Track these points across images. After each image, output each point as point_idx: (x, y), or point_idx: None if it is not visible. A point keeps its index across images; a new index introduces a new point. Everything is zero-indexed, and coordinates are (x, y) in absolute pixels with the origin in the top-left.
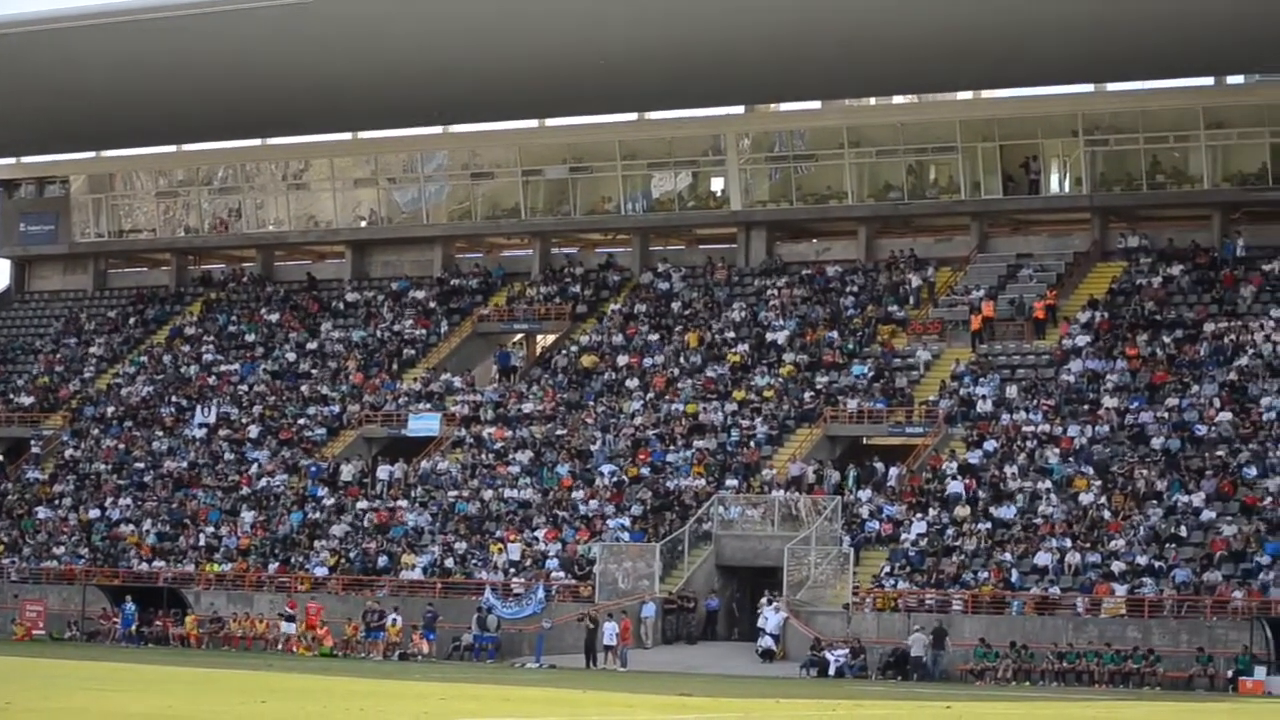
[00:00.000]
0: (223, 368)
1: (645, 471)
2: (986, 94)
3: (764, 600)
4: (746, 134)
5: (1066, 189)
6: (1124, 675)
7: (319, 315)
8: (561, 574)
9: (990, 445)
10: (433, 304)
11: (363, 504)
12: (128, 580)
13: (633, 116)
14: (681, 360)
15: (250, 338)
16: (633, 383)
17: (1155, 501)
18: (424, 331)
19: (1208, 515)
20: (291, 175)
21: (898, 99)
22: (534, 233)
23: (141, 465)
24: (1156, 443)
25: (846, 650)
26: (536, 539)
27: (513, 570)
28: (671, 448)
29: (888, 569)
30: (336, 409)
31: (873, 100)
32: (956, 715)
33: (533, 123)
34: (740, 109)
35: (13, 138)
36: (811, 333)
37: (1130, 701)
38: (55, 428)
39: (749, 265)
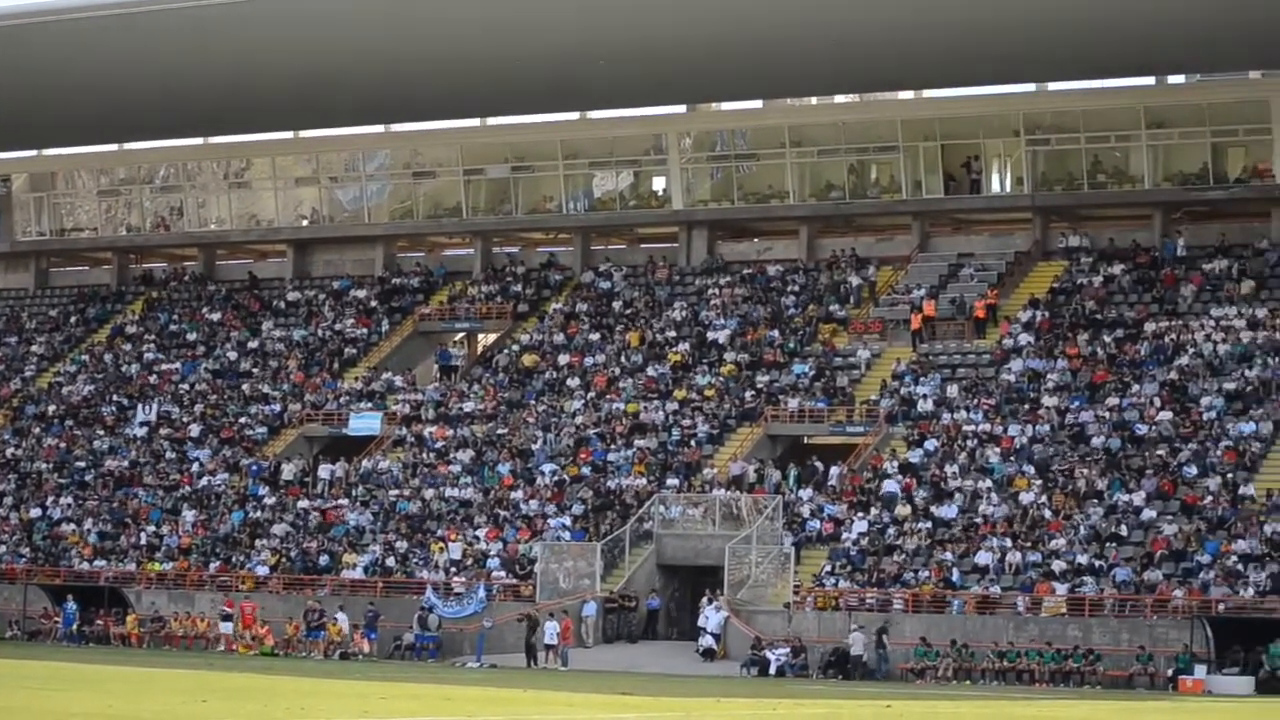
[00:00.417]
0: (164, 366)
1: (586, 471)
2: (928, 93)
3: (705, 599)
4: (688, 133)
5: (1008, 188)
6: (1064, 674)
7: (260, 314)
8: (502, 573)
9: (931, 444)
10: (374, 303)
11: (304, 503)
12: (69, 579)
13: (574, 116)
14: (623, 359)
15: (191, 336)
16: (574, 382)
17: (1096, 501)
18: (365, 330)
19: (1148, 514)
20: (233, 174)
21: (839, 98)
22: (475, 232)
23: (83, 464)
24: (1097, 442)
25: (787, 649)
26: (478, 538)
27: (454, 569)
28: (612, 447)
29: (828, 568)
30: (278, 408)
31: (814, 100)
32: (897, 714)
33: (474, 122)
34: (682, 108)
35: None
36: (752, 332)
37: (1071, 700)
38: None
39: (690, 264)
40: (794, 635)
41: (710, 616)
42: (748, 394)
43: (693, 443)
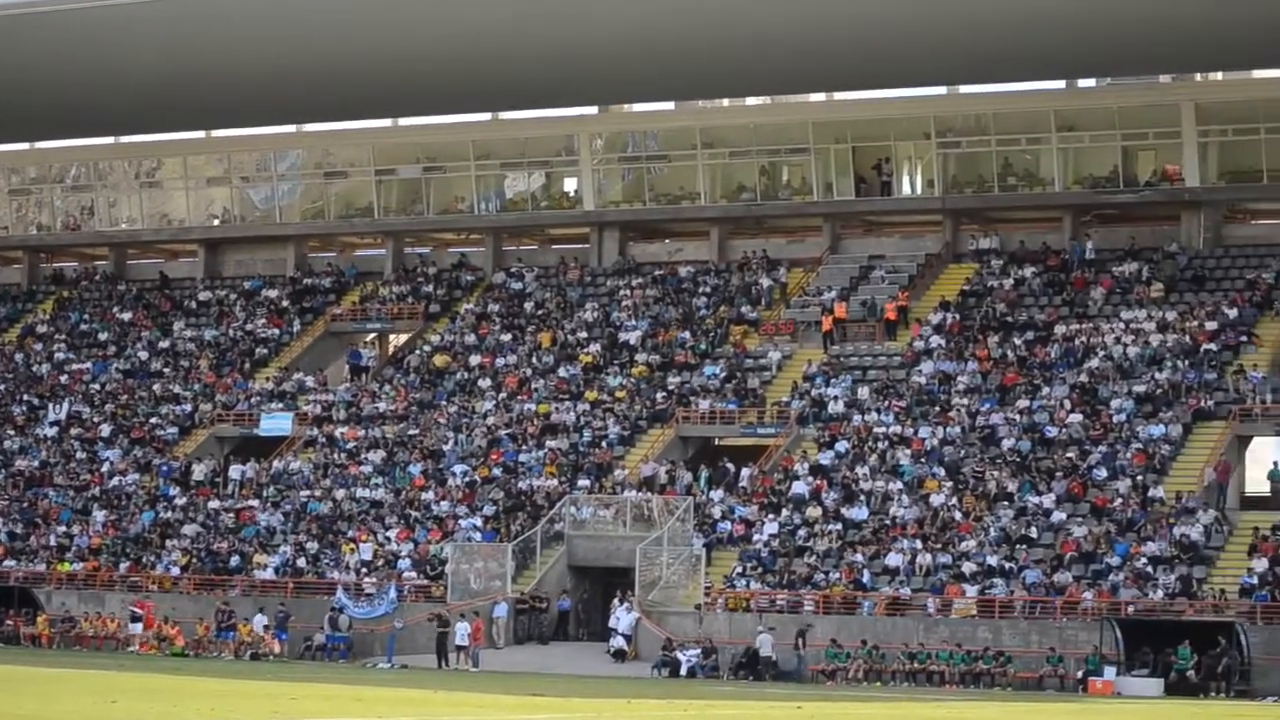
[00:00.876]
0: (75, 366)
1: (497, 472)
2: (839, 96)
3: (616, 600)
4: (600, 134)
5: (918, 191)
6: (975, 675)
7: (171, 314)
8: (413, 574)
9: (842, 446)
10: (285, 303)
11: (215, 503)
12: None
13: (486, 116)
14: (534, 360)
15: (103, 336)
16: (485, 383)
17: (1006, 503)
18: (276, 331)
19: (1058, 516)
20: (144, 173)
21: (751, 100)
22: (387, 232)
23: None
24: (1007, 444)
25: (698, 650)
26: (389, 539)
27: (365, 570)
28: (524, 448)
29: (739, 569)
30: (189, 408)
31: (726, 101)
32: (808, 715)
33: (386, 122)
34: (593, 109)
35: None
36: (664, 333)
37: (981, 702)
38: None
39: (602, 265)
40: (705, 636)
41: (621, 617)
42: (659, 395)
43: (604, 444)
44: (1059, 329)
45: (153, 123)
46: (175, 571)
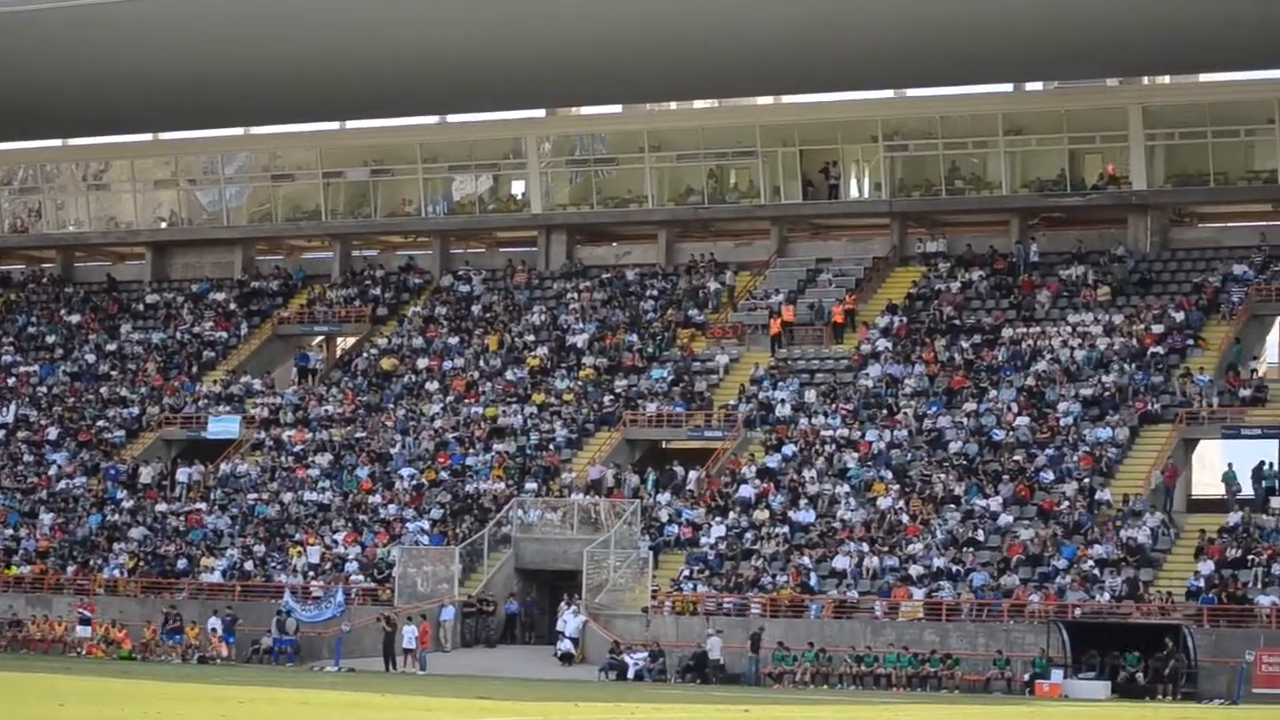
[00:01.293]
0: (21, 369)
1: (445, 475)
2: (787, 99)
3: (563, 603)
4: (547, 137)
5: (866, 194)
6: (922, 678)
7: (119, 317)
8: (361, 577)
9: (789, 449)
10: (233, 306)
11: (162, 506)
12: None
13: (434, 119)
14: (481, 363)
15: (50, 339)
16: (432, 385)
17: (953, 505)
18: (224, 334)
19: (1005, 519)
20: (92, 176)
21: (698, 103)
22: (334, 235)
23: None
24: (954, 447)
25: (645, 653)
26: (336, 542)
27: (312, 573)
28: (471, 451)
29: (686, 572)
30: (136, 411)
31: (673, 104)
32: (755, 719)
33: (333, 125)
34: (541, 112)
35: None
36: (611, 336)
37: (928, 705)
38: None
39: (549, 268)
40: (652, 639)
41: (569, 620)
42: (606, 398)
43: (551, 447)
44: (1006, 332)
45: (100, 125)
46: (122, 574)
